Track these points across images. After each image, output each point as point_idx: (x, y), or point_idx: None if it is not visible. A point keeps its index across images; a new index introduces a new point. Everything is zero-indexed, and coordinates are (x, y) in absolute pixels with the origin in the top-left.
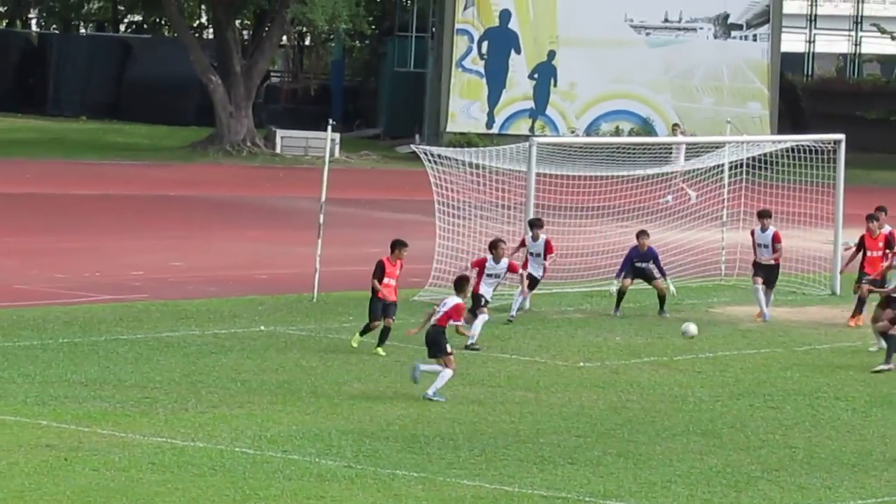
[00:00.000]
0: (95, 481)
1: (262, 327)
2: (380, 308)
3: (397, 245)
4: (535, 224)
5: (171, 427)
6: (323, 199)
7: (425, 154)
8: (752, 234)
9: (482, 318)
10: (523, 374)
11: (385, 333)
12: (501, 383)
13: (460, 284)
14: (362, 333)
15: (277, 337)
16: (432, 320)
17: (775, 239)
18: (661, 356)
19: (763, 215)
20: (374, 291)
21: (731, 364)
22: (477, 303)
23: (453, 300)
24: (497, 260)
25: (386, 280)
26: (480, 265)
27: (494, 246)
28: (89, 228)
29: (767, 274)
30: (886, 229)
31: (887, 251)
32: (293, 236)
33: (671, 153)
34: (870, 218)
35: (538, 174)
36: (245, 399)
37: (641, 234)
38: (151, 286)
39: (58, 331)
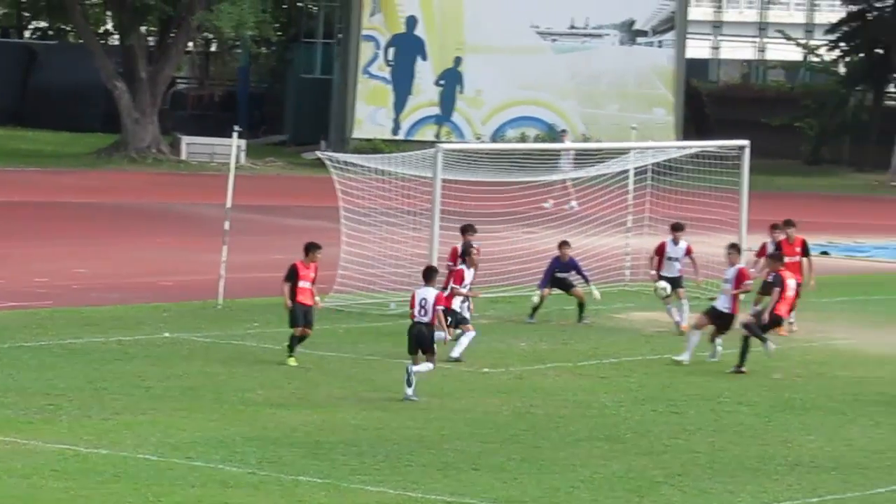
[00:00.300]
0: None
1: (167, 334)
2: (301, 314)
3: (311, 248)
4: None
5: (75, 434)
6: (228, 205)
7: (331, 160)
8: (664, 245)
9: (469, 334)
10: (428, 380)
11: (299, 341)
12: (401, 388)
13: (430, 274)
14: (291, 350)
15: (182, 344)
16: (421, 319)
17: (688, 253)
18: (565, 362)
19: (676, 228)
20: (292, 297)
21: (635, 369)
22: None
23: (431, 293)
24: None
25: (301, 284)
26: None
27: (467, 252)
28: None
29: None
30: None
31: (804, 257)
32: (198, 243)
33: (559, 159)
34: (787, 224)
35: (444, 180)
36: (149, 406)
37: (563, 244)
38: (56, 293)
39: None
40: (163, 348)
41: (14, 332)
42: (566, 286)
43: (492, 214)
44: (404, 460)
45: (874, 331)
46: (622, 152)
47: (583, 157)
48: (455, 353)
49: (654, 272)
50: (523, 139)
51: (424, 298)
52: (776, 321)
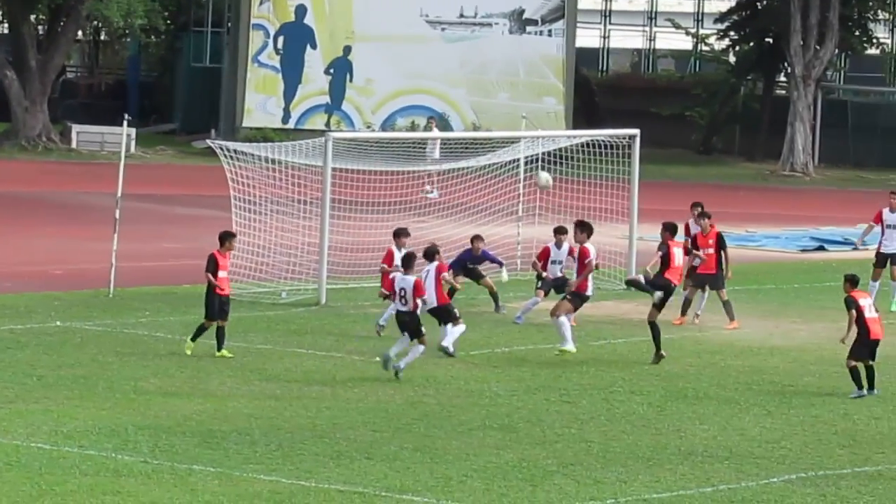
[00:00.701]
0: None
1: (58, 323)
2: (217, 304)
3: (226, 237)
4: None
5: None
6: (119, 194)
7: (221, 149)
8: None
9: (460, 327)
10: (320, 369)
11: (221, 334)
12: (298, 378)
13: (409, 261)
14: (194, 338)
15: (74, 332)
16: (401, 308)
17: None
18: (457, 351)
19: (560, 231)
20: (211, 287)
21: (527, 359)
22: (448, 315)
23: (409, 281)
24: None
25: (221, 274)
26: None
27: (474, 242)
28: None
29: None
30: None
31: (721, 251)
32: (89, 232)
33: (426, 147)
34: (701, 216)
35: (334, 169)
36: (41, 394)
37: (476, 238)
38: None
39: None
40: (54, 337)
41: None
42: (476, 276)
43: (382, 203)
44: (297, 449)
45: (766, 320)
46: (513, 141)
47: (473, 146)
48: (451, 349)
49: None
50: (413, 128)
51: (403, 288)
52: (665, 285)
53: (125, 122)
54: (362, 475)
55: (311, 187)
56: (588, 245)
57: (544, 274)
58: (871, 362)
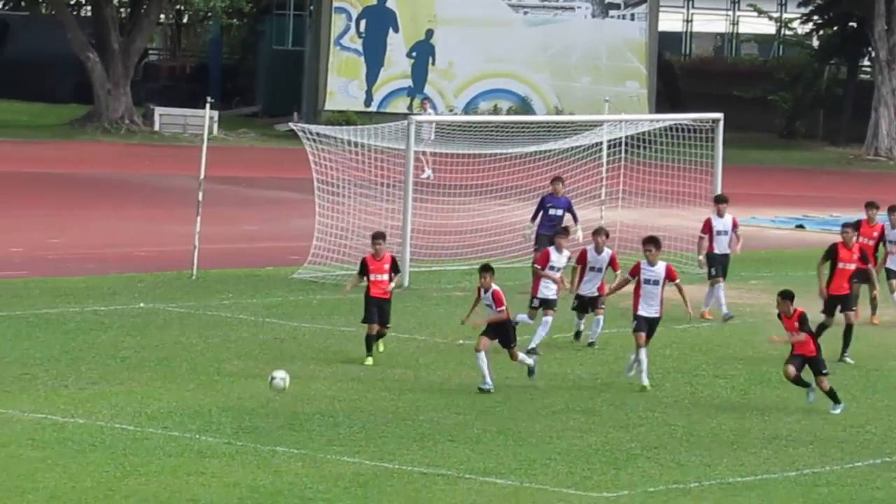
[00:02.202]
0: None
1: (142, 304)
2: (375, 309)
3: (374, 238)
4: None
5: (51, 403)
6: (202, 176)
7: (303, 132)
8: (709, 221)
9: (547, 320)
10: (403, 352)
11: (370, 340)
12: (381, 360)
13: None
14: (369, 349)
15: (157, 314)
16: (493, 318)
17: (734, 225)
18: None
19: (719, 200)
20: (366, 290)
21: (611, 342)
22: (543, 305)
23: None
24: (560, 249)
25: (373, 277)
26: (545, 260)
27: (558, 234)
28: None
29: (724, 264)
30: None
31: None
32: (172, 214)
33: (422, 129)
34: (869, 206)
35: (416, 152)
36: (125, 376)
37: (556, 180)
38: (31, 263)
39: None
40: (138, 318)
41: None
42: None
43: (464, 186)
44: (380, 431)
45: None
46: (595, 125)
47: (555, 130)
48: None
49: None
50: (496, 111)
51: (490, 300)
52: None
53: (207, 105)
54: (445, 457)
55: (393, 170)
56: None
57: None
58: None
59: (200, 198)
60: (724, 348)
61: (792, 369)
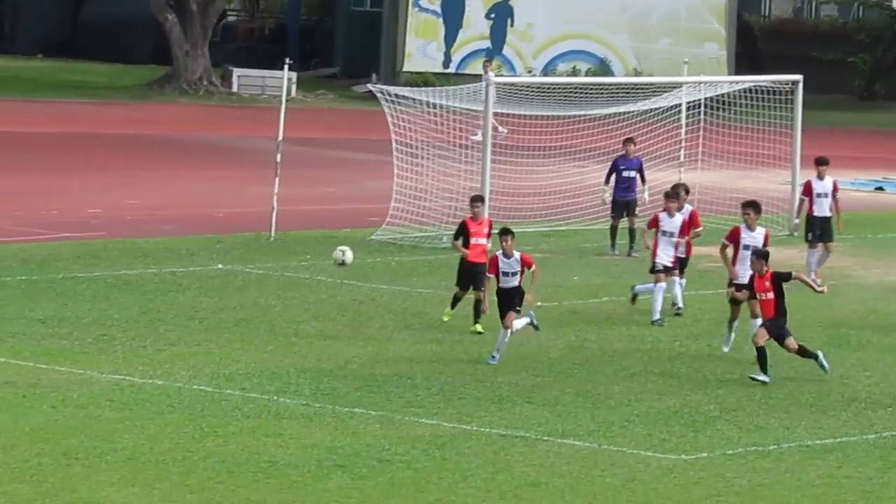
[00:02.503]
0: (54, 418)
1: (220, 266)
2: (469, 274)
3: (472, 201)
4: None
5: (130, 364)
6: (280, 138)
7: (382, 93)
8: (809, 184)
9: (661, 286)
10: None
11: (477, 306)
12: (459, 322)
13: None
14: (453, 306)
15: (235, 275)
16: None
17: (835, 188)
18: (619, 296)
19: (821, 163)
20: (462, 255)
21: (689, 304)
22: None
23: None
24: (671, 214)
25: (473, 240)
26: (654, 223)
27: (670, 196)
28: (46, 167)
29: (825, 228)
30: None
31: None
32: (250, 175)
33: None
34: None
35: (495, 114)
36: (203, 337)
37: (628, 141)
38: (108, 224)
39: (15, 268)
40: (216, 280)
41: (68, 262)
42: (631, 210)
43: (542, 148)
44: (458, 393)
45: None
46: (674, 87)
47: (634, 92)
48: (678, 305)
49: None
50: (574, 73)
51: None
52: None
53: (286, 66)
54: (524, 419)
55: (471, 132)
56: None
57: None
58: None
59: (279, 159)
60: (804, 311)
61: (764, 333)
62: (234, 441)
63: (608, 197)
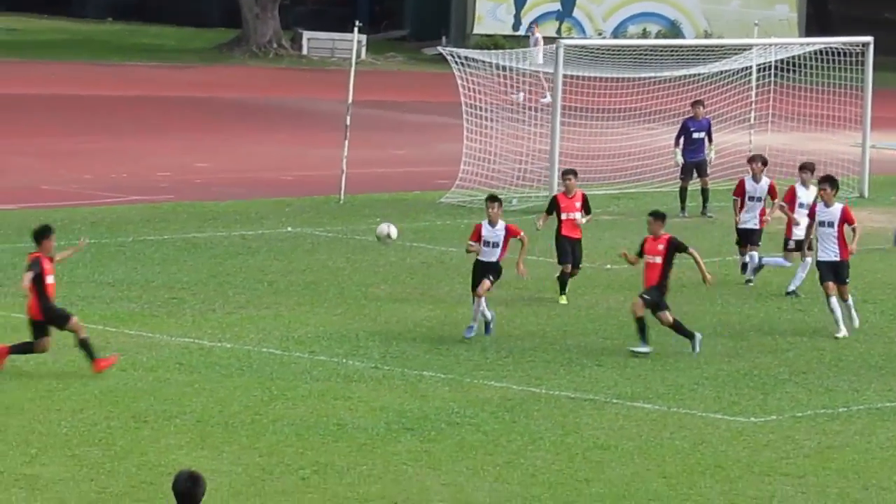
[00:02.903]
0: (123, 382)
1: (289, 228)
2: (568, 248)
3: (564, 174)
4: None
5: (199, 328)
6: (349, 100)
7: (452, 56)
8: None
9: (807, 261)
10: (551, 276)
11: (564, 278)
12: (528, 285)
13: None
14: (562, 288)
15: (304, 238)
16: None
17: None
18: (687, 258)
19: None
20: (557, 229)
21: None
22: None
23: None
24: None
25: (564, 216)
26: (791, 196)
27: (804, 169)
28: (116, 130)
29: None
30: None
31: None
32: (320, 138)
33: (529, 49)
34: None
35: (565, 76)
36: (272, 300)
37: (696, 103)
38: (178, 187)
39: (85, 231)
40: (285, 243)
41: (137, 226)
42: (701, 171)
43: (612, 110)
44: (527, 356)
45: None
46: (744, 49)
47: (704, 54)
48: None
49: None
50: (644, 35)
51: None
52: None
53: (355, 29)
54: (593, 382)
55: (541, 94)
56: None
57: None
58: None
59: (348, 122)
60: (873, 273)
61: (640, 304)
62: (303, 404)
63: (680, 159)
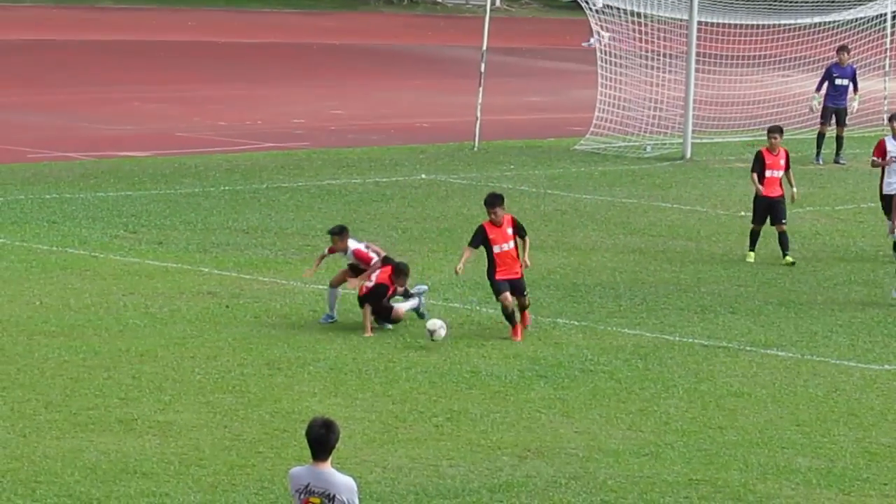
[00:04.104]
0: (257, 329)
1: (423, 175)
2: (763, 207)
3: (771, 132)
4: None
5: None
6: (484, 47)
7: (586, 3)
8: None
9: None
10: (684, 224)
11: (783, 238)
12: (662, 232)
13: None
14: (752, 245)
15: (438, 185)
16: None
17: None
18: (823, 206)
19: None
20: (757, 191)
21: None
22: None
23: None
24: None
25: (768, 173)
26: (881, 151)
27: (894, 118)
28: (251, 77)
29: None
30: None
31: None
32: (454, 85)
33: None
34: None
35: (699, 23)
36: (406, 247)
37: (842, 49)
38: (312, 134)
39: (219, 178)
40: (420, 190)
41: (272, 172)
42: (840, 118)
43: (746, 57)
44: (661, 303)
45: None
46: None
47: (839, 0)
48: None
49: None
50: None
51: None
52: None
53: None
54: (726, 330)
55: (676, 41)
56: None
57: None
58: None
59: (483, 69)
60: None
61: (507, 297)
62: (436, 351)
63: (816, 104)
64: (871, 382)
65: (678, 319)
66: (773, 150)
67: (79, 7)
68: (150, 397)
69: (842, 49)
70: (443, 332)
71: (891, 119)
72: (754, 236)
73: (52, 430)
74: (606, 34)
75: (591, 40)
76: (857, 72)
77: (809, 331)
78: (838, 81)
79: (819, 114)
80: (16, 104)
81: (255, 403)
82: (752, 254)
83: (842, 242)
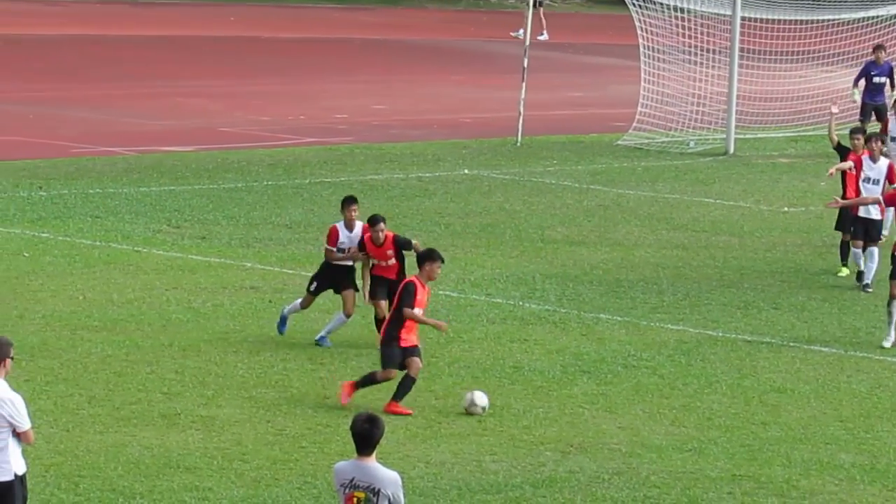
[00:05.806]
0: (299, 323)
1: (466, 171)
2: (848, 216)
3: (853, 133)
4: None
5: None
6: (527, 42)
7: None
8: None
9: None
10: (727, 219)
11: (844, 249)
12: (706, 228)
13: None
14: (843, 258)
15: (481, 180)
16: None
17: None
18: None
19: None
20: (843, 195)
21: None
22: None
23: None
24: (875, 159)
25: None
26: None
27: (876, 51)
28: (293, 72)
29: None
30: None
31: None
32: (497, 80)
33: None
34: None
35: (743, 18)
36: (448, 242)
37: (878, 48)
38: (355, 129)
39: (262, 173)
40: (462, 185)
41: (314, 167)
42: (880, 114)
43: (790, 53)
44: (704, 299)
45: None
46: None
47: None
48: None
49: None
50: None
51: None
52: None
53: None
54: (769, 325)
55: (719, 36)
56: None
57: None
58: None
59: (525, 64)
60: None
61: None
62: (480, 346)
63: (857, 98)
64: None
65: (721, 315)
66: (856, 151)
67: (122, 3)
68: (193, 392)
69: (878, 48)
70: (478, 411)
71: (868, 139)
72: (844, 246)
73: (95, 425)
74: (546, 35)
75: (520, 31)
76: (895, 68)
77: (853, 327)
78: (875, 79)
79: (858, 108)
80: (59, 99)
81: (298, 398)
82: (844, 269)
83: (886, 239)
